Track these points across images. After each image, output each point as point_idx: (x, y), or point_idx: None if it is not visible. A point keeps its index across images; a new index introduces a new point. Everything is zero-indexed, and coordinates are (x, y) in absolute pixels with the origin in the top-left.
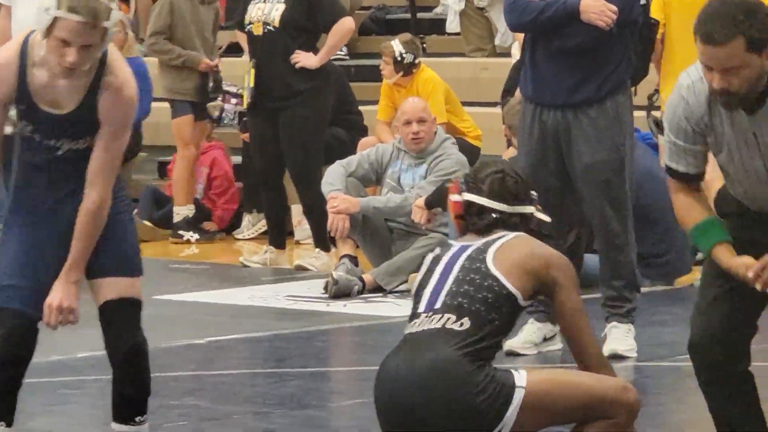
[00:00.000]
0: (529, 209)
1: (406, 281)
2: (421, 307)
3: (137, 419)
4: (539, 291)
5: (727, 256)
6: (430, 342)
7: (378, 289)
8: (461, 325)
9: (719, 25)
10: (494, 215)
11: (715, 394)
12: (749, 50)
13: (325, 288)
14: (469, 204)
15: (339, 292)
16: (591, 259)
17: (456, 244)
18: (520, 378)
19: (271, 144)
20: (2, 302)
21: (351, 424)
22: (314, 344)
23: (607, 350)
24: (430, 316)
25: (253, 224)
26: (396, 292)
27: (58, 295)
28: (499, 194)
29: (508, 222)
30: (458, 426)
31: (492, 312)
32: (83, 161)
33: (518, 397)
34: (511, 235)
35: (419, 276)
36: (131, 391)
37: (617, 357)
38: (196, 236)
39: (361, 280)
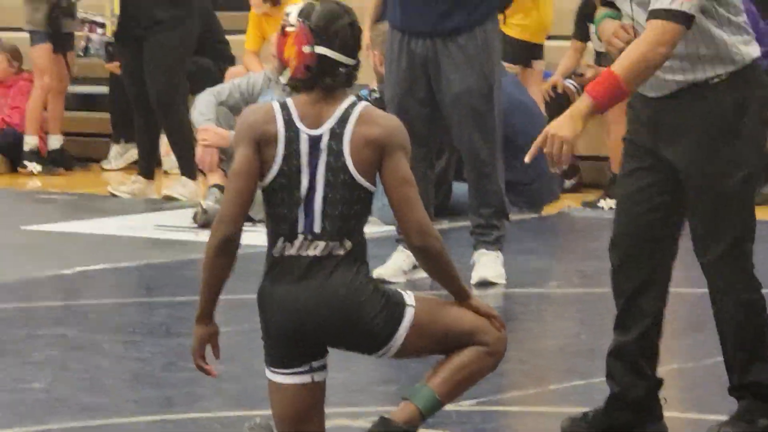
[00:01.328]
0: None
1: None
2: (299, 227)
3: None
4: (373, 170)
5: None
6: (321, 268)
7: (247, 218)
8: (345, 248)
9: None
10: (343, 70)
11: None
12: None
13: (194, 218)
14: (321, 58)
15: (208, 221)
16: (459, 188)
17: (304, 130)
18: (409, 297)
19: (140, 71)
20: None
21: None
22: (183, 273)
23: (475, 277)
24: (312, 241)
25: (120, 154)
26: (264, 221)
27: None
28: (352, 48)
29: (351, 76)
30: (350, 342)
31: (359, 216)
32: None
33: (408, 315)
34: (358, 109)
35: (272, 169)
36: None
37: (486, 284)
38: (39, 168)
39: None
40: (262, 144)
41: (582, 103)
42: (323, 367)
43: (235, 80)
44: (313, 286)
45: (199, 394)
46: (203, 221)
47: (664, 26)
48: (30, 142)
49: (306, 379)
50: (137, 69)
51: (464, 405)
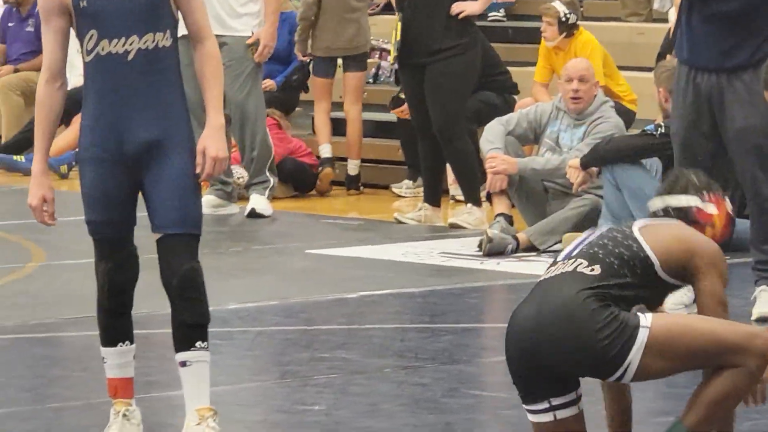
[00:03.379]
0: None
1: (560, 241)
2: (560, 257)
3: (197, 344)
4: (682, 273)
5: None
6: (559, 284)
7: (532, 248)
8: (592, 270)
9: None
10: None
11: None
12: None
13: (480, 246)
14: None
15: (493, 250)
16: (742, 224)
17: None
18: (645, 319)
19: (423, 98)
20: (99, 235)
21: (502, 380)
22: (467, 301)
23: (756, 313)
24: (564, 263)
25: (414, 186)
26: (550, 251)
27: (211, 144)
28: None
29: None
30: (581, 365)
31: (625, 268)
32: (155, 71)
33: (642, 337)
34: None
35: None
36: (189, 318)
37: (767, 320)
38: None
39: (515, 238)
40: None
41: None
42: (568, 405)
43: (523, 110)
44: (537, 302)
45: (479, 421)
46: (489, 249)
47: None
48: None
49: (547, 417)
50: (419, 96)
51: None
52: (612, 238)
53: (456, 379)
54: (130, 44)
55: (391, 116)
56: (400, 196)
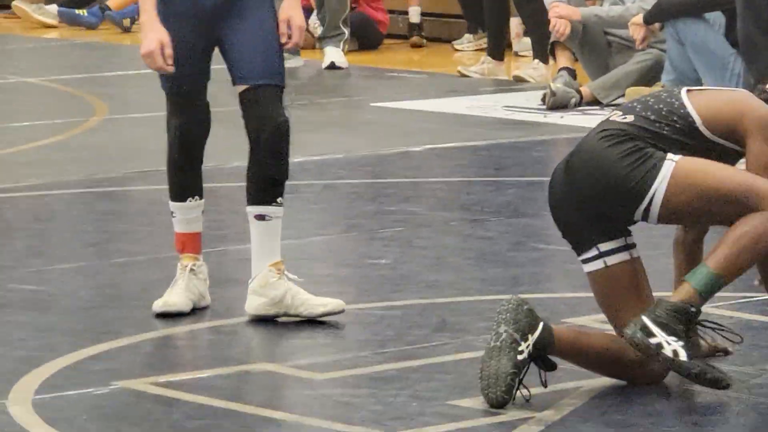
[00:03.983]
0: None
1: (623, 95)
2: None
3: (279, 200)
4: (731, 134)
5: None
6: (591, 132)
7: (595, 101)
8: (624, 118)
9: None
10: None
11: None
12: None
13: (543, 99)
14: None
15: (556, 103)
16: None
17: None
18: (672, 155)
19: None
20: (173, 89)
21: None
22: (531, 154)
23: None
24: (607, 115)
25: (476, 39)
26: (613, 105)
27: (296, 14)
28: None
29: None
30: (610, 197)
31: (661, 120)
32: None
33: (667, 167)
34: None
35: None
36: (274, 172)
37: None
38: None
39: (579, 92)
40: None
41: None
42: (617, 251)
43: None
44: (571, 151)
45: (546, 274)
46: (552, 103)
47: None
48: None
49: (598, 265)
50: None
51: None
52: (656, 95)
53: (521, 232)
54: None
55: None
56: (461, 51)
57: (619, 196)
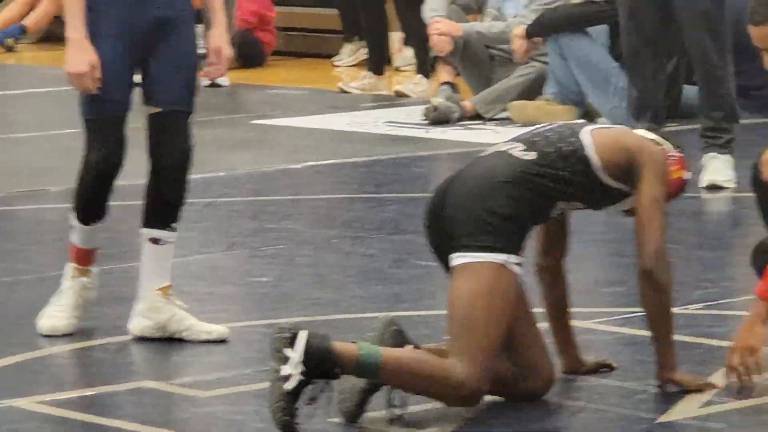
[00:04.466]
0: None
1: (505, 109)
2: (504, 140)
3: (173, 225)
4: (626, 177)
5: None
6: (487, 160)
7: (477, 116)
8: (526, 155)
9: (759, 4)
10: None
11: None
12: None
13: (425, 114)
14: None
15: (438, 118)
16: (690, 90)
17: None
18: (498, 256)
19: None
20: (100, 114)
21: None
22: (413, 170)
23: (705, 180)
24: (504, 144)
25: (353, 51)
26: (495, 119)
27: (225, 44)
28: None
29: None
30: (458, 231)
31: (561, 162)
32: None
33: (485, 258)
34: None
35: None
36: (173, 198)
37: (715, 187)
38: None
39: (461, 107)
40: None
41: (758, 309)
42: None
43: None
44: (462, 170)
45: (428, 291)
46: (434, 118)
47: None
48: None
49: None
50: None
51: (690, 309)
52: (558, 131)
53: (403, 249)
54: None
55: None
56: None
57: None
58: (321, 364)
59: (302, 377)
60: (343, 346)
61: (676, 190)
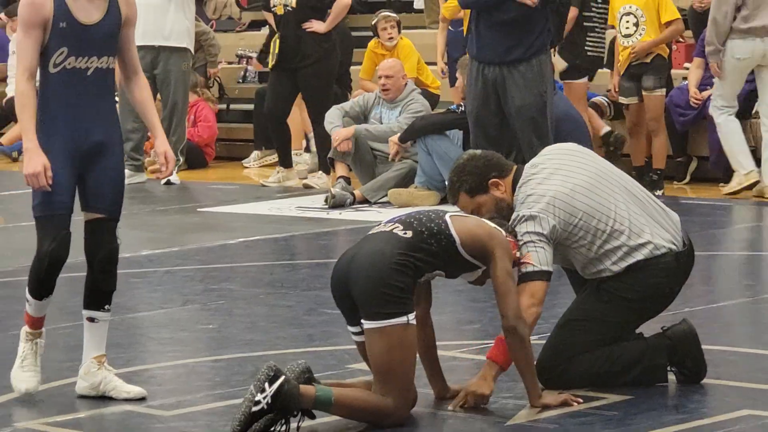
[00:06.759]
0: None
1: (385, 195)
2: (386, 220)
3: (106, 307)
4: (479, 255)
5: None
6: (376, 239)
7: (365, 201)
8: (405, 233)
9: (449, 186)
10: None
11: None
12: (473, 196)
13: (326, 201)
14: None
15: (336, 203)
16: None
17: None
18: (411, 317)
19: (286, 94)
20: (53, 212)
21: None
22: (318, 242)
23: None
24: (387, 225)
25: (259, 158)
26: (379, 203)
27: (170, 151)
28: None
29: None
30: (364, 302)
31: (432, 239)
32: (104, 86)
33: (391, 322)
34: None
35: None
36: (104, 286)
37: None
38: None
39: (353, 194)
40: None
41: (491, 368)
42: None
43: (354, 98)
44: (356, 247)
45: (333, 332)
46: (333, 203)
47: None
48: None
49: (362, 338)
50: (282, 92)
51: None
52: (427, 214)
53: (314, 301)
54: (91, 63)
55: (250, 107)
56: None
57: (366, 306)
58: (285, 404)
59: (266, 407)
60: (305, 388)
61: (513, 263)
